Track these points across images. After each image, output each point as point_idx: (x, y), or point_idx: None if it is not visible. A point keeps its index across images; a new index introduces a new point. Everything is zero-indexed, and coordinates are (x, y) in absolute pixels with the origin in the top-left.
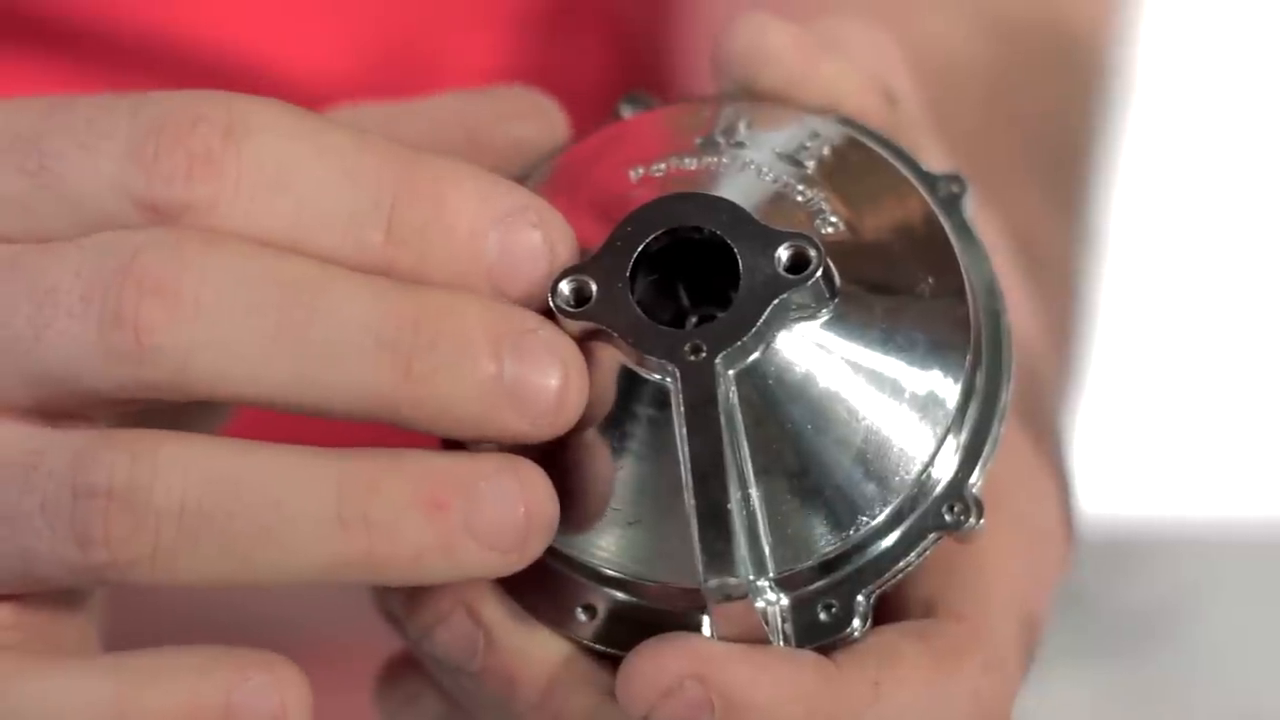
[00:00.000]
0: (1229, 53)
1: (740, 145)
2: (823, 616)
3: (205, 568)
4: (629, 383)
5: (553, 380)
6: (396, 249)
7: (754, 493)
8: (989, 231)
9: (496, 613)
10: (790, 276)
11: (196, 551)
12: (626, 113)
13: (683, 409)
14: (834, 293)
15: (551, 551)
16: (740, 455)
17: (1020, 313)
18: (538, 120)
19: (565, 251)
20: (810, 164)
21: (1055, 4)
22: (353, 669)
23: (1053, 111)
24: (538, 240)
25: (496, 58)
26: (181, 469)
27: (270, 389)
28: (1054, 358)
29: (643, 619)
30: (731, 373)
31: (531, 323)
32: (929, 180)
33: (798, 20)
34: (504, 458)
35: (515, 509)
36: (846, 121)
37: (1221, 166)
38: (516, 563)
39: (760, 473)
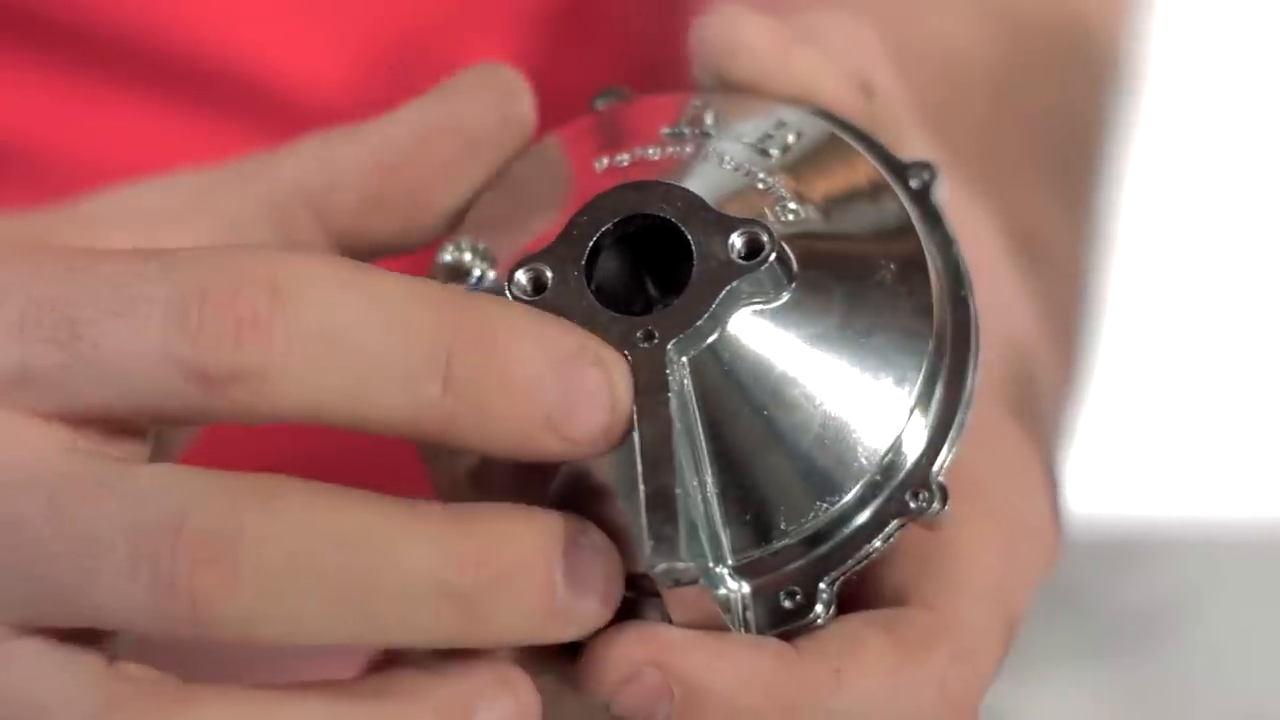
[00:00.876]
0: (1241, 47)
1: (706, 135)
2: (786, 604)
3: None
4: None
5: (596, 600)
6: (455, 401)
7: (710, 479)
8: (984, 224)
9: None
10: (743, 263)
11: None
12: (601, 107)
13: (635, 395)
14: (791, 278)
15: None
16: (696, 442)
17: (1020, 310)
18: (493, 108)
19: (625, 389)
20: (775, 152)
21: (1068, 1)
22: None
23: (1062, 108)
24: (597, 379)
25: (503, 62)
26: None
27: (329, 639)
28: (1053, 355)
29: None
30: (684, 359)
31: (577, 531)
32: (898, 168)
33: (792, 16)
34: (496, 683)
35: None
36: (818, 112)
37: (1231, 164)
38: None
39: (717, 459)
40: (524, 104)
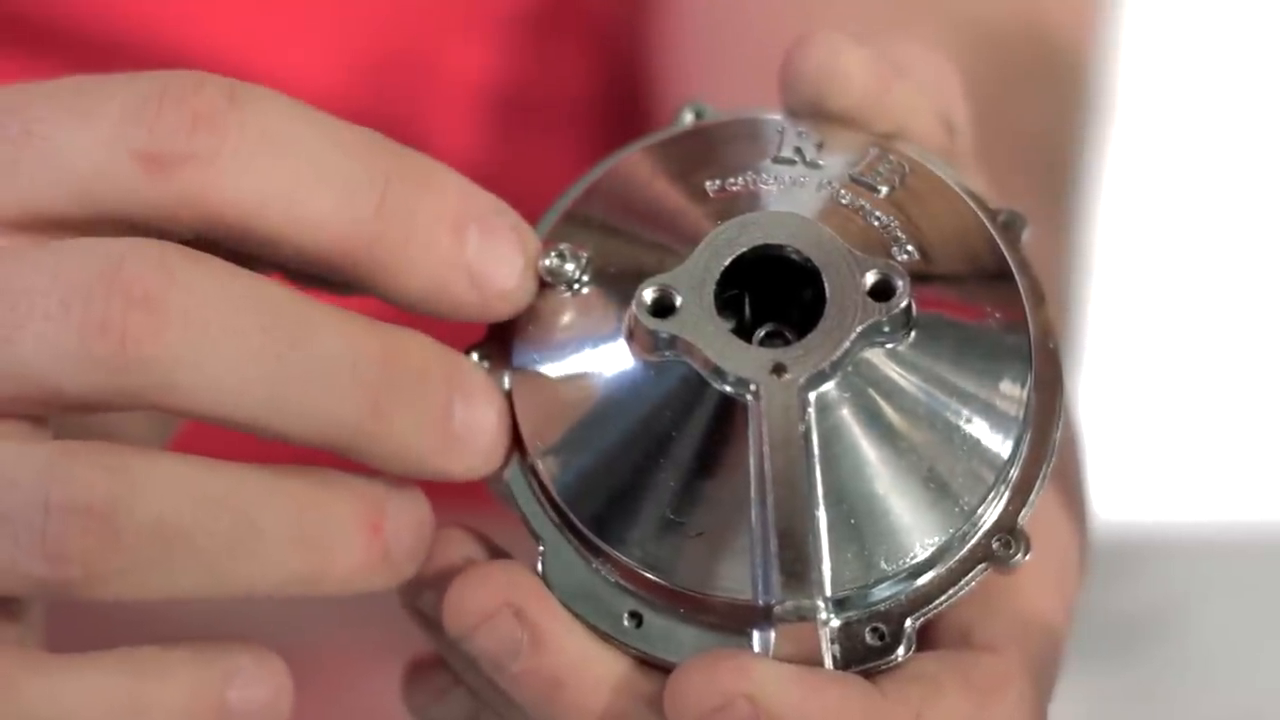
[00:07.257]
0: (1213, 59)
1: (815, 166)
2: (869, 640)
3: (177, 583)
4: (700, 397)
5: (491, 419)
6: (385, 224)
7: (820, 514)
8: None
9: (543, 615)
10: (876, 303)
11: (171, 568)
12: (688, 119)
13: (765, 429)
14: (910, 322)
15: (602, 556)
16: (811, 475)
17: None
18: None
19: (533, 259)
20: (883, 189)
21: (1037, 16)
22: (332, 674)
23: (1038, 123)
24: (514, 243)
25: (485, 64)
26: (158, 484)
27: (242, 410)
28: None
29: (689, 630)
30: (813, 395)
31: (473, 369)
32: (991, 214)
33: (873, 44)
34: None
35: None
36: (913, 149)
37: (1210, 174)
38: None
39: (825, 495)
40: None
